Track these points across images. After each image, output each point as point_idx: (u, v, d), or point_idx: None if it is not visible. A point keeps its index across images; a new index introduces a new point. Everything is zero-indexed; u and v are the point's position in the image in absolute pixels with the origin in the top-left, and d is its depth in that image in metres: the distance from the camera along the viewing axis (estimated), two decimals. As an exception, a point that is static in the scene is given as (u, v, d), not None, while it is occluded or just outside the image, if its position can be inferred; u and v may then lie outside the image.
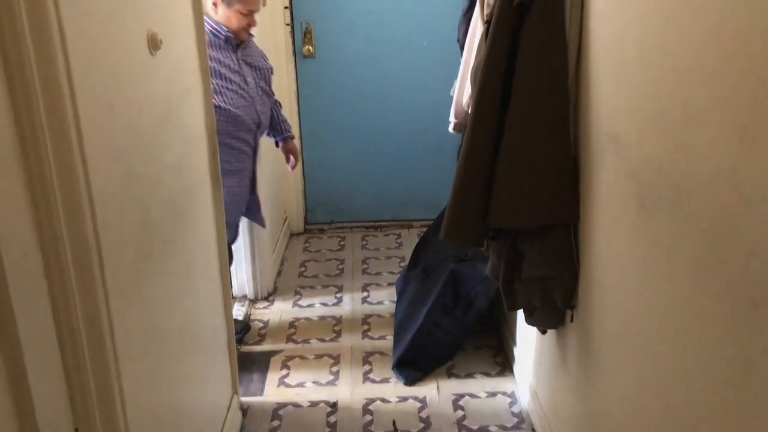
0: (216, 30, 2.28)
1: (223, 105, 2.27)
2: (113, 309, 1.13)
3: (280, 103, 2.74)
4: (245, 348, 2.72)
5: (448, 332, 2.48)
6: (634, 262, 1.28)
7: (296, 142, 3.15)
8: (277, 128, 2.71)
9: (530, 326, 1.96)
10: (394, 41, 3.66)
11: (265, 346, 2.74)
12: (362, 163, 3.86)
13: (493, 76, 1.59)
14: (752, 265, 0.85)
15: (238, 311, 2.96)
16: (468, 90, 1.93)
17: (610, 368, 1.46)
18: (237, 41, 2.35)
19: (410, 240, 3.69)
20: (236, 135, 2.39)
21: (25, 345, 0.91)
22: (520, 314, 2.03)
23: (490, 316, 2.65)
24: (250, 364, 2.59)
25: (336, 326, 2.88)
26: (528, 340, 2.21)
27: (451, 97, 2.18)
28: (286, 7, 3.57)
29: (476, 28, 1.88)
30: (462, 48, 2.09)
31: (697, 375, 1.03)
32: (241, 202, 2.53)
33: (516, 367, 2.41)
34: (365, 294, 3.17)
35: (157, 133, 1.47)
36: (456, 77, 2.15)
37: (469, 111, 1.75)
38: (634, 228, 1.26)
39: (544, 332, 1.92)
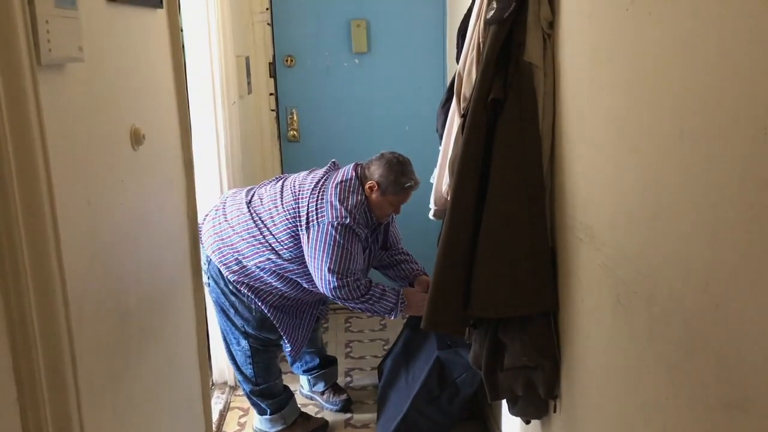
0: (368, 211, 2.41)
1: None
2: (85, 412, 1.10)
3: (402, 250, 2.76)
4: (224, 438, 2.64)
5: (433, 421, 2.43)
6: (613, 356, 1.28)
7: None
8: (402, 275, 2.72)
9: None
10: (376, 127, 3.75)
11: (245, 436, 2.67)
12: (346, 244, 3.87)
13: (470, 169, 1.63)
14: (723, 366, 0.86)
15: (218, 399, 2.90)
16: (446, 178, 1.96)
17: (595, 463, 1.43)
18: (377, 223, 2.50)
19: (394, 322, 3.66)
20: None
21: (-9, 456, 0.88)
22: (505, 402, 2.01)
23: (475, 403, 2.61)
24: (229, 456, 2.52)
25: (318, 413, 2.82)
26: (513, 429, 2.17)
27: (432, 184, 2.22)
28: (271, 94, 3.67)
29: (453, 120, 1.93)
30: (441, 138, 2.14)
31: (679, 476, 1.01)
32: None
33: (502, 456, 2.35)
34: (348, 379, 3.12)
35: (138, 227, 1.47)
36: (436, 163, 2.19)
37: (448, 199, 1.78)
38: (611, 321, 1.27)
39: (528, 422, 1.89)
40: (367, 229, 2.44)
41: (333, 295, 2.35)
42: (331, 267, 2.30)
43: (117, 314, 1.33)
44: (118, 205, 1.36)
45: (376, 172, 2.42)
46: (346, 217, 2.31)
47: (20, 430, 0.97)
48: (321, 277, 2.32)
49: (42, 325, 0.99)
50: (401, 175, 2.42)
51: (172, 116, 1.79)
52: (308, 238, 2.32)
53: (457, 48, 2.09)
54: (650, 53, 1.05)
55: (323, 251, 2.31)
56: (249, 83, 3.35)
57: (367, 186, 2.40)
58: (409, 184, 2.45)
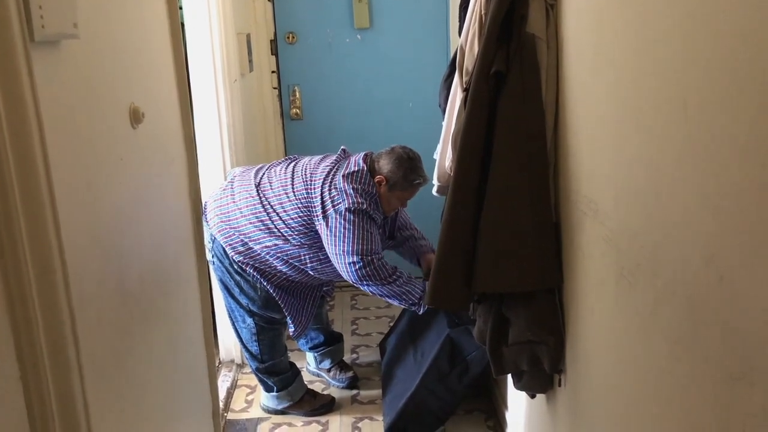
0: (377, 203, 2.41)
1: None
2: (89, 390, 1.11)
3: (410, 226, 2.79)
4: (232, 415, 2.66)
5: (441, 399, 2.43)
6: (616, 330, 1.27)
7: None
8: (410, 253, 2.76)
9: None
10: (380, 103, 3.72)
11: (252, 413, 2.69)
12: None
13: (473, 143, 1.61)
14: (728, 339, 0.85)
15: (225, 377, 2.91)
16: (450, 154, 1.95)
17: (599, 436, 1.43)
18: (384, 215, 2.52)
19: (400, 299, 3.66)
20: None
21: (-5, 434, 0.88)
22: (510, 377, 2.01)
23: (481, 379, 2.61)
24: (237, 433, 2.54)
25: (325, 390, 2.84)
26: (519, 404, 2.18)
27: (435, 160, 2.21)
28: (273, 72, 3.64)
29: (456, 94, 1.91)
30: (443, 113, 2.12)
31: (682, 448, 1.01)
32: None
33: None
34: (354, 356, 3.13)
35: (139, 207, 1.47)
36: (439, 139, 2.17)
37: (451, 174, 1.76)
38: (615, 295, 1.26)
39: (533, 396, 1.90)
40: (380, 217, 2.44)
41: (359, 277, 2.33)
42: (354, 249, 2.30)
43: (119, 294, 1.32)
44: (118, 185, 1.35)
45: (385, 166, 2.41)
46: (362, 203, 2.32)
47: (24, 408, 0.97)
48: (344, 262, 2.32)
49: (42, 302, 0.99)
50: (410, 171, 2.43)
51: (171, 95, 1.77)
52: (327, 226, 2.32)
53: (460, 21, 2.06)
54: (654, 24, 1.03)
55: (344, 236, 2.31)
56: (250, 61, 3.32)
57: (375, 179, 2.41)
58: (417, 181, 2.46)
